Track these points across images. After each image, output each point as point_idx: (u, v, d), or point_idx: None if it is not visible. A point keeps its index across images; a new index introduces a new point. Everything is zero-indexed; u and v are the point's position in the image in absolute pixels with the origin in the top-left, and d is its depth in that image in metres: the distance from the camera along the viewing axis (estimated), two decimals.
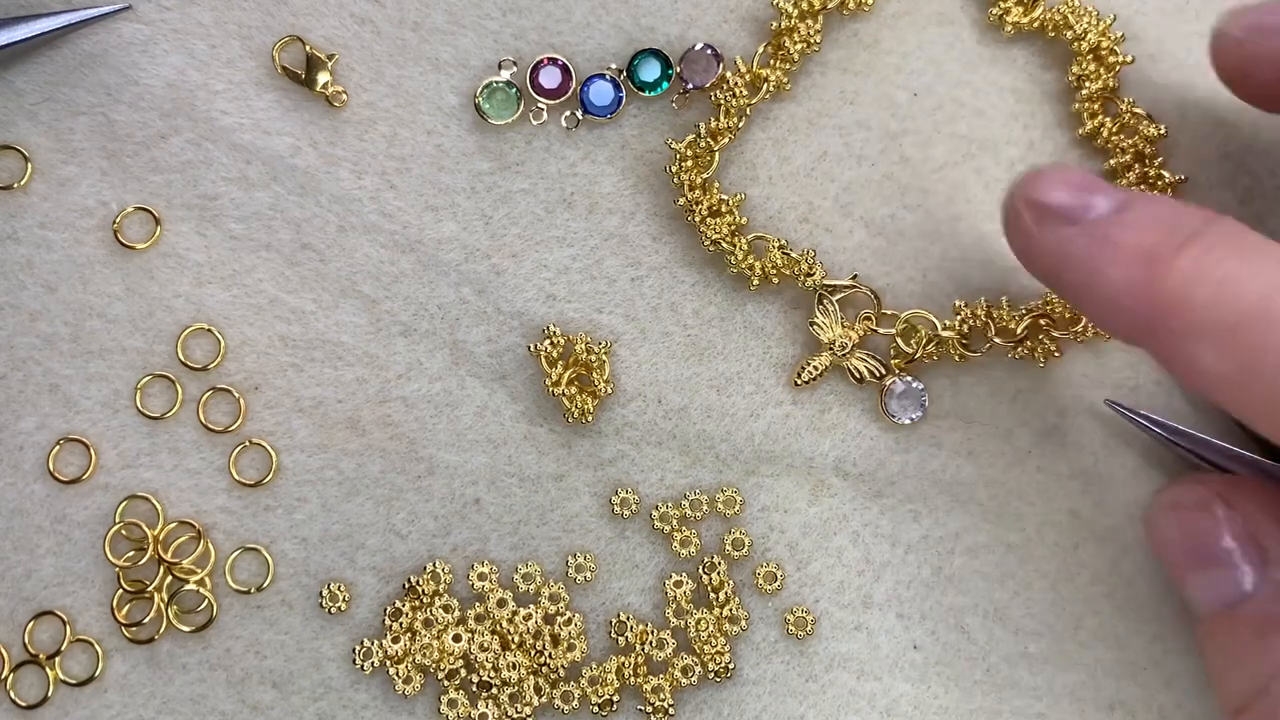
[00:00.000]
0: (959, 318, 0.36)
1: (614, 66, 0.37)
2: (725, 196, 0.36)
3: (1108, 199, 0.29)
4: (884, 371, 0.36)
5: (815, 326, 0.36)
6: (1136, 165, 0.36)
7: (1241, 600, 0.29)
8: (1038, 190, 0.30)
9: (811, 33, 0.36)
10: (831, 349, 0.36)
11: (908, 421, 0.36)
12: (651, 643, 0.36)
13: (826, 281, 0.36)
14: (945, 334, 0.36)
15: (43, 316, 0.37)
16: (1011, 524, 0.37)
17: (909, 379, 0.36)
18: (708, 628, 0.36)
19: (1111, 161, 0.37)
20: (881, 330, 0.37)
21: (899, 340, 0.36)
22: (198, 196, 0.37)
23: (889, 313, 0.37)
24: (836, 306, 0.36)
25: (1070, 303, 0.32)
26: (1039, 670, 0.36)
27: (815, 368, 0.36)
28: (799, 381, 0.37)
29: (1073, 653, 0.36)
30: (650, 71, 0.37)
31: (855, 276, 0.37)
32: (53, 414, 0.37)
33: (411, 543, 0.37)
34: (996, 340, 0.36)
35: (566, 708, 0.36)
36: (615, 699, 0.36)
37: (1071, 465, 0.37)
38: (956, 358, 0.36)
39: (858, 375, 0.36)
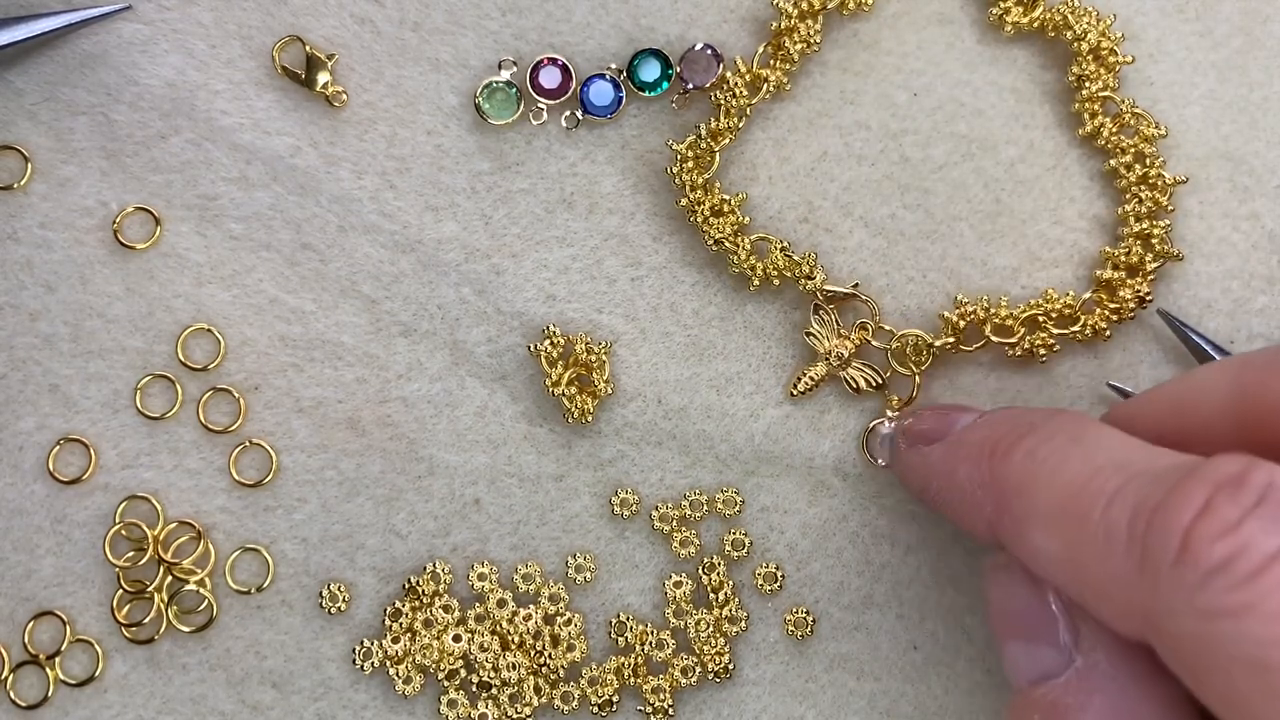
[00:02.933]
0: (957, 312, 0.36)
1: (614, 66, 0.37)
2: (727, 197, 0.36)
3: (968, 416, 0.32)
4: (881, 381, 0.36)
5: (811, 337, 0.36)
6: (1136, 165, 0.36)
7: (1042, 680, 0.28)
8: (911, 424, 0.34)
9: (811, 33, 0.36)
10: (827, 359, 0.36)
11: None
12: (651, 643, 0.36)
13: (827, 286, 0.36)
14: (940, 343, 0.36)
15: (43, 316, 0.37)
16: None
17: (895, 419, 0.36)
18: (707, 628, 0.36)
19: (1111, 161, 0.37)
20: (877, 343, 0.37)
21: (894, 363, 0.36)
22: (198, 196, 0.37)
23: (886, 328, 0.37)
24: (833, 316, 0.36)
25: (938, 511, 0.33)
26: None
27: (811, 378, 0.36)
28: (795, 392, 0.37)
29: None
30: (650, 71, 0.37)
31: (856, 286, 0.36)
32: (53, 414, 0.37)
33: (411, 543, 0.37)
34: (993, 338, 0.36)
35: (566, 708, 0.36)
36: (615, 699, 0.36)
37: None
38: (953, 352, 0.36)
39: (854, 385, 0.36)
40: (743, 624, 0.37)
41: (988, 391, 0.37)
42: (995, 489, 0.29)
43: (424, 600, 0.37)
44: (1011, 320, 0.36)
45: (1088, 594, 0.26)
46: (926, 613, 0.37)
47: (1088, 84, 0.36)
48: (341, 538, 0.37)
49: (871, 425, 0.37)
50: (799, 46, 0.36)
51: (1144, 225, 0.36)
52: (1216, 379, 0.29)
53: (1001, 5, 0.37)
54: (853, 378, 0.36)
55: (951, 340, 0.36)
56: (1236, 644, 0.22)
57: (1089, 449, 0.27)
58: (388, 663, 0.36)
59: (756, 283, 0.36)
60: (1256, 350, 0.30)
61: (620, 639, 0.37)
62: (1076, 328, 0.36)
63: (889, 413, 0.37)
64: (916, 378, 0.36)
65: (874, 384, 0.36)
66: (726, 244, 0.36)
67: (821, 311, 0.37)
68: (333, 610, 0.37)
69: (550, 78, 0.37)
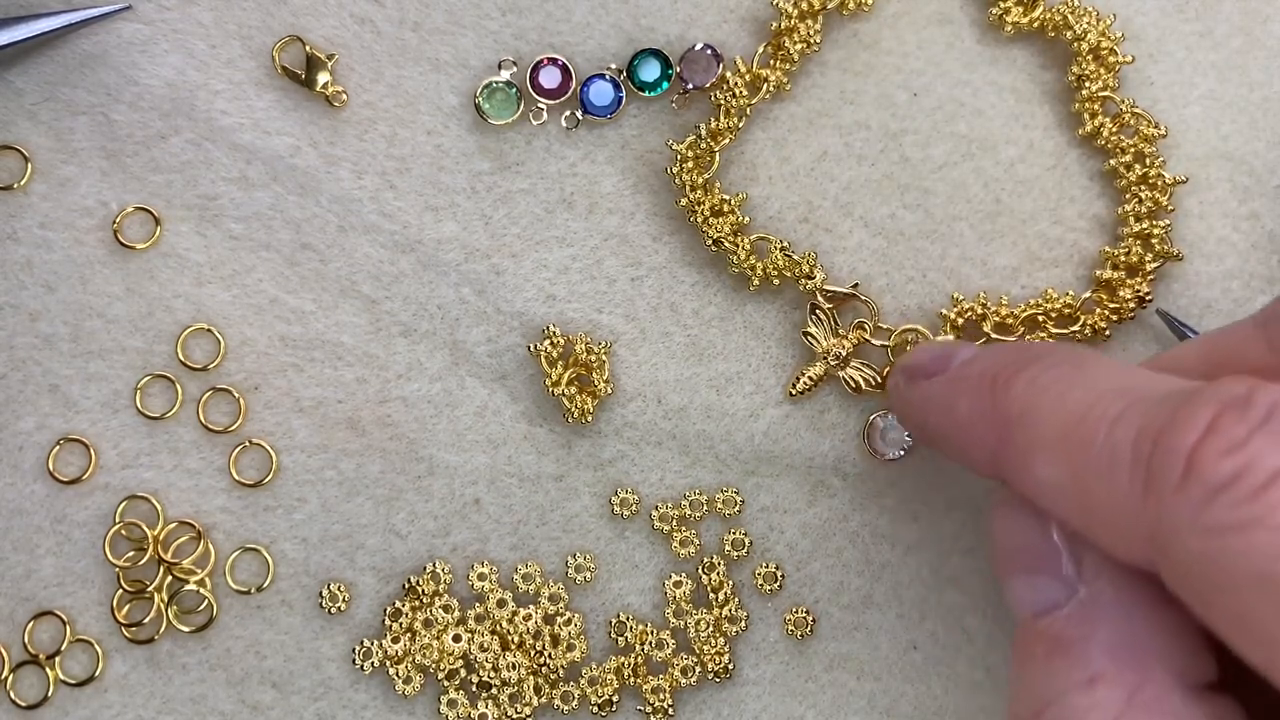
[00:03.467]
0: (956, 309, 0.36)
1: (614, 66, 0.37)
2: (727, 197, 0.36)
3: (968, 350, 0.32)
4: (880, 380, 0.36)
5: (808, 338, 0.36)
6: (1136, 165, 0.36)
7: (1046, 612, 0.28)
8: (909, 358, 0.33)
9: (811, 33, 0.36)
10: (825, 359, 0.36)
11: (895, 456, 0.36)
12: (651, 643, 0.36)
13: (827, 286, 0.36)
14: (940, 339, 0.36)
15: (43, 316, 0.37)
16: None
17: (891, 415, 0.36)
18: (707, 628, 0.36)
19: (1111, 161, 0.37)
20: (876, 342, 0.37)
21: (894, 359, 0.36)
22: (198, 196, 0.37)
23: (885, 326, 0.37)
24: (830, 316, 0.36)
25: (937, 448, 0.32)
26: None
27: (810, 378, 0.36)
28: (793, 392, 0.37)
29: None
30: (650, 71, 0.37)
31: (856, 286, 0.36)
32: (53, 414, 0.37)
33: (411, 543, 0.37)
34: (993, 335, 0.36)
35: (566, 708, 0.36)
36: (615, 699, 0.36)
37: None
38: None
39: (854, 385, 0.36)
40: (743, 624, 0.37)
41: None
42: (997, 419, 0.28)
43: (424, 600, 0.37)
44: (1011, 320, 0.36)
45: (1092, 521, 0.26)
46: (926, 613, 0.37)
47: (1088, 84, 0.36)
48: (341, 538, 0.37)
49: (871, 419, 0.37)
50: (799, 46, 0.36)
51: (1144, 225, 0.36)
52: (1250, 334, 0.29)
53: (1001, 5, 0.37)
54: (851, 377, 0.36)
55: (951, 338, 0.36)
56: (1244, 559, 0.22)
57: (1092, 376, 0.27)
58: (388, 663, 0.36)
59: (756, 283, 0.36)
60: None
61: (620, 639, 0.37)
62: (1076, 327, 0.36)
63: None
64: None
65: (873, 383, 0.36)
66: (726, 244, 0.36)
67: (818, 311, 0.37)
68: (333, 610, 0.37)
69: (550, 78, 0.37)
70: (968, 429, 0.29)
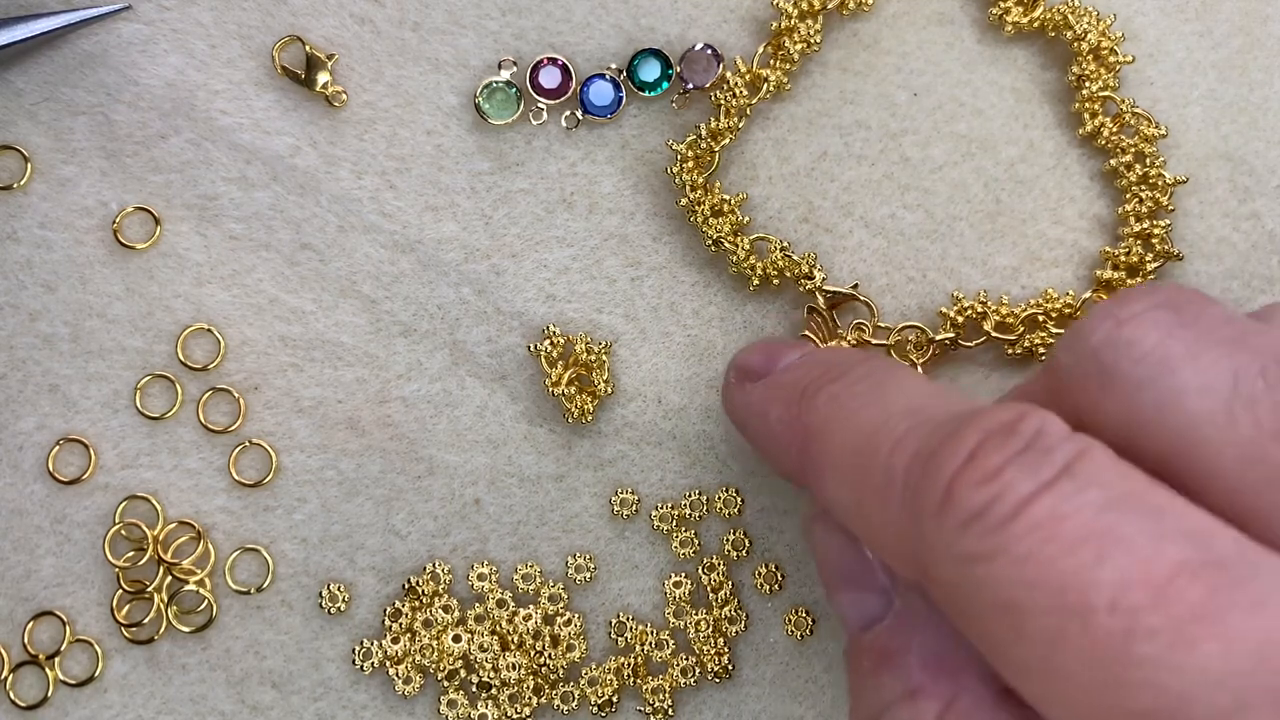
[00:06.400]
0: (955, 308, 0.36)
1: (614, 66, 0.37)
2: (727, 197, 0.36)
3: (792, 354, 0.32)
4: None
5: (806, 340, 0.36)
6: (1136, 165, 0.36)
7: (869, 626, 0.28)
8: (739, 357, 0.33)
9: (811, 33, 0.36)
10: None
11: None
12: (651, 643, 0.36)
13: (826, 287, 0.36)
14: (940, 337, 0.36)
15: (43, 316, 0.37)
16: None
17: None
18: (707, 628, 0.36)
19: (1112, 161, 0.37)
20: (875, 341, 0.37)
21: (894, 357, 0.36)
22: (198, 196, 0.37)
23: (884, 325, 0.37)
24: (827, 319, 0.36)
25: (756, 452, 0.33)
26: None
27: None
28: None
29: None
30: (650, 71, 0.37)
31: (856, 286, 0.36)
32: (53, 414, 0.37)
33: (411, 543, 0.37)
34: (993, 334, 0.36)
35: (566, 708, 0.36)
36: (615, 699, 0.36)
37: None
38: (953, 349, 0.36)
39: None
40: (743, 624, 0.37)
41: (988, 391, 0.37)
42: (800, 432, 0.28)
43: (424, 600, 0.37)
44: (1011, 319, 0.36)
45: (873, 542, 0.26)
46: None
47: (1088, 84, 0.36)
48: (341, 538, 0.37)
49: None
50: (799, 46, 0.36)
51: (1144, 225, 0.36)
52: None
53: (1001, 5, 0.37)
54: None
55: (952, 335, 0.36)
56: (989, 589, 0.22)
57: (891, 395, 0.27)
58: (387, 663, 0.36)
59: (756, 282, 0.36)
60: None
61: (620, 639, 0.37)
62: None
63: None
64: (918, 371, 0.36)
65: None
66: (726, 244, 0.36)
67: (816, 317, 0.36)
68: (332, 610, 0.37)
69: (550, 78, 0.37)
70: (777, 437, 0.30)
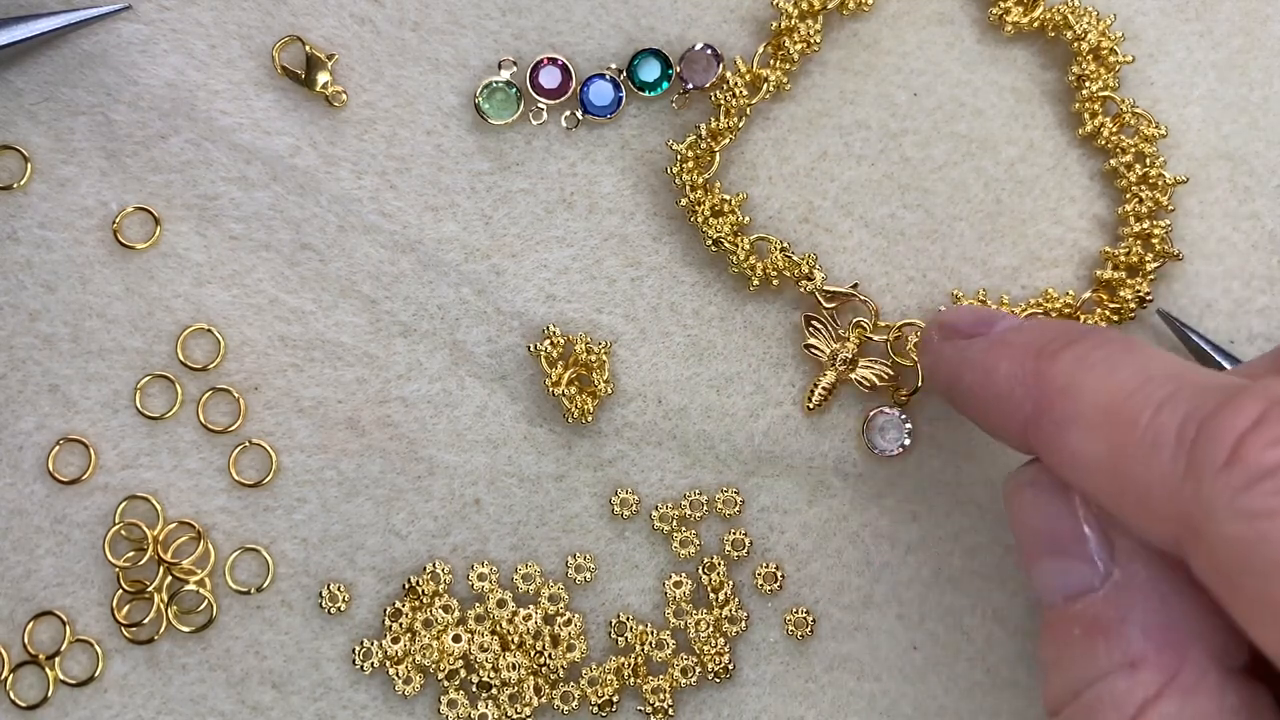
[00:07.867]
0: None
1: (614, 66, 0.37)
2: (727, 197, 0.36)
3: (1013, 319, 0.32)
4: (893, 374, 0.36)
5: (811, 350, 0.36)
6: (1136, 165, 0.36)
7: (1079, 595, 0.28)
8: (947, 316, 0.33)
9: (811, 33, 0.36)
10: (834, 366, 0.36)
11: (895, 452, 0.36)
12: (651, 643, 0.36)
13: (826, 287, 0.36)
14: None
15: (43, 316, 0.37)
16: None
17: (889, 411, 0.36)
18: (707, 628, 0.36)
19: (1112, 161, 0.37)
20: (876, 338, 0.37)
21: (893, 354, 0.36)
22: (198, 196, 0.37)
23: (884, 324, 0.37)
24: (827, 322, 0.36)
25: (963, 410, 0.32)
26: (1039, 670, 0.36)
27: (824, 389, 0.36)
28: (810, 406, 0.37)
29: None
30: (650, 71, 0.37)
31: (856, 286, 0.36)
32: (53, 414, 0.37)
33: (411, 543, 0.37)
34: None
35: (566, 708, 0.36)
36: (615, 699, 0.36)
37: None
38: None
39: (868, 385, 0.36)
40: (743, 624, 0.37)
41: None
42: (1038, 389, 0.28)
43: (424, 600, 0.37)
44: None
45: (1125, 500, 0.26)
46: (926, 613, 0.37)
47: (1088, 84, 0.36)
48: (341, 538, 0.37)
49: (871, 414, 0.36)
50: (799, 46, 0.36)
51: (1144, 225, 0.36)
52: None
53: (1001, 5, 0.37)
54: (864, 377, 0.36)
55: None
56: (1275, 545, 0.22)
57: (1141, 358, 0.27)
58: (388, 663, 0.36)
59: (756, 282, 0.36)
60: None
61: (620, 639, 0.37)
62: None
63: (892, 406, 0.36)
64: (920, 368, 0.36)
65: (885, 377, 0.36)
66: (726, 244, 0.36)
67: (815, 322, 0.36)
68: (332, 610, 0.37)
69: (550, 78, 0.37)
70: (1005, 395, 0.29)
